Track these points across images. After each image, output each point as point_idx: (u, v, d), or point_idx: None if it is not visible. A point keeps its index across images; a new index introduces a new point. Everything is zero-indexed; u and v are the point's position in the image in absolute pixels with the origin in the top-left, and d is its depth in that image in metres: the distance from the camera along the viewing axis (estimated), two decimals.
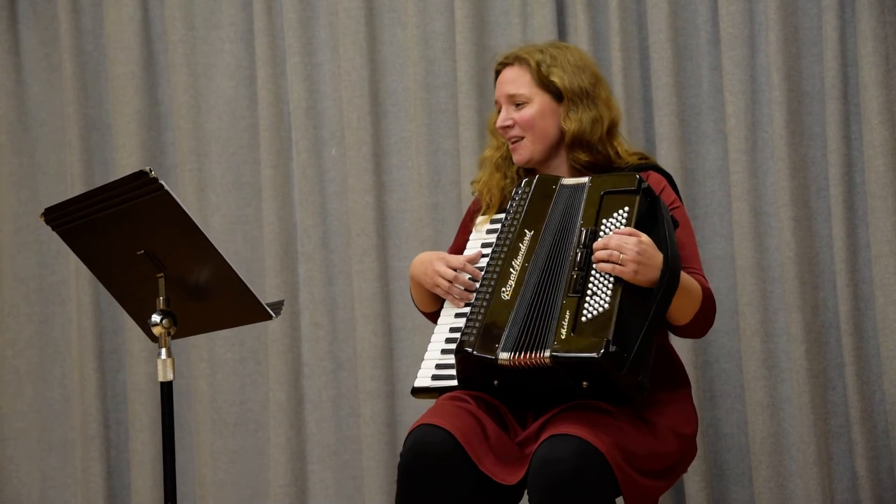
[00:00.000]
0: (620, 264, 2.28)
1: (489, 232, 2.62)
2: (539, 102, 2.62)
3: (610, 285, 2.30)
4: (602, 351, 2.21)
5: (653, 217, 2.39)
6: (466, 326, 2.38)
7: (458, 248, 2.72)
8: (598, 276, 2.32)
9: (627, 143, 2.71)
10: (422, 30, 3.47)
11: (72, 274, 3.78)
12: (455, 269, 2.54)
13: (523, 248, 2.46)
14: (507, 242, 2.48)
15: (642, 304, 2.30)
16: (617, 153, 2.64)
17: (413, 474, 2.30)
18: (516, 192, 2.56)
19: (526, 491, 2.44)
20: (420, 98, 3.46)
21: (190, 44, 3.67)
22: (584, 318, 2.27)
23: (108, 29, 3.73)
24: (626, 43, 3.27)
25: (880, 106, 3.05)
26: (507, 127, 2.64)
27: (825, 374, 3.16)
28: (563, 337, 2.26)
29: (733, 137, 3.19)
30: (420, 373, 2.48)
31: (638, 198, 2.38)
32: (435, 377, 2.46)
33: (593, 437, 2.22)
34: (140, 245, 2.39)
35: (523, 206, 2.52)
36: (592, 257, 2.32)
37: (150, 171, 2.29)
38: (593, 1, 3.32)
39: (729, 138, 3.20)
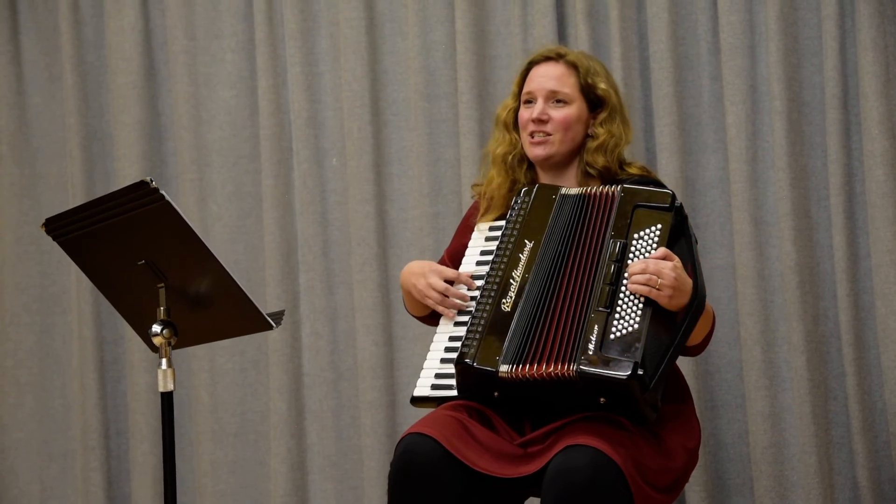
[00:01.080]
0: (658, 289, 2.27)
1: (488, 239, 2.61)
2: (578, 107, 2.63)
3: (640, 304, 2.29)
4: (630, 373, 2.21)
5: (680, 236, 2.39)
6: (466, 338, 2.38)
7: (455, 250, 2.71)
8: (628, 292, 2.31)
9: (630, 156, 2.72)
10: (422, 40, 3.47)
11: (72, 284, 3.78)
12: (449, 281, 2.54)
13: (523, 258, 2.45)
14: (507, 253, 2.47)
15: (665, 324, 2.30)
16: (620, 165, 2.65)
17: (402, 483, 2.30)
18: (515, 202, 2.55)
19: (526, 496, 2.44)
20: (421, 108, 3.47)
21: (191, 54, 3.67)
22: (612, 336, 2.26)
23: (109, 39, 3.73)
24: (627, 53, 3.27)
25: (880, 116, 3.06)
26: (541, 121, 2.62)
27: (826, 383, 3.16)
28: (590, 352, 2.25)
29: (734, 147, 3.19)
30: (419, 382, 2.48)
31: (671, 216, 2.37)
32: (434, 386, 2.45)
33: (609, 448, 2.22)
34: (141, 255, 2.39)
35: (523, 215, 2.52)
36: (629, 279, 2.30)
37: (151, 181, 2.29)
38: (594, 11, 3.32)
39: (729, 148, 3.20)
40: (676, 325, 2.31)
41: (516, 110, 2.69)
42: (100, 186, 3.75)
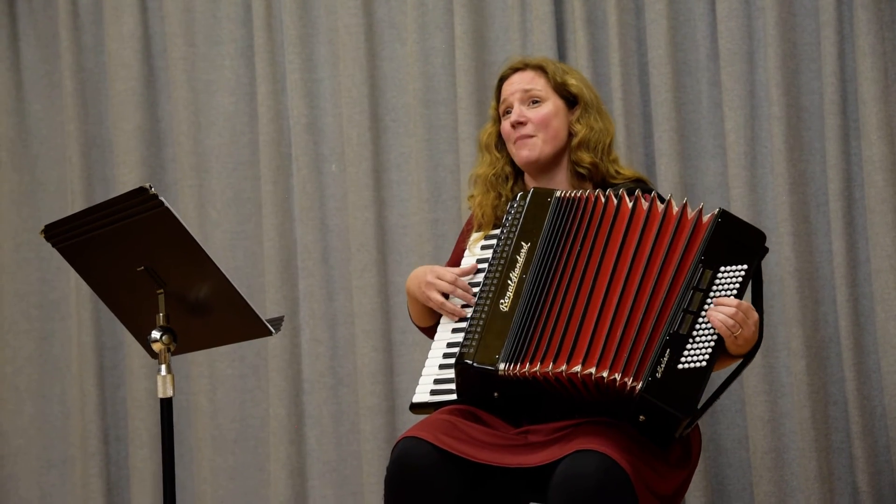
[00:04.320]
0: (735, 337, 2.29)
1: (483, 248, 2.61)
2: (554, 104, 2.65)
3: (713, 341, 2.29)
4: (688, 412, 2.25)
5: (755, 277, 2.40)
6: (465, 338, 2.39)
7: (455, 263, 2.72)
8: (704, 325, 2.31)
9: (628, 163, 2.72)
10: (421, 46, 3.48)
11: (72, 290, 3.78)
12: (449, 282, 2.55)
13: (520, 259, 2.46)
14: (505, 255, 2.47)
15: (718, 359, 2.33)
16: (616, 170, 2.66)
17: (398, 487, 2.32)
18: (511, 205, 2.56)
19: (525, 500, 2.44)
20: (420, 114, 3.47)
21: (190, 60, 3.68)
22: (680, 366, 2.27)
23: (108, 46, 3.74)
24: (626, 59, 3.28)
25: (879, 121, 3.06)
26: (521, 124, 2.64)
27: (826, 389, 3.16)
28: (658, 376, 2.25)
29: (732, 153, 3.19)
30: (418, 388, 2.48)
31: (758, 259, 2.37)
32: (433, 392, 2.46)
33: (618, 455, 2.23)
34: (140, 261, 2.39)
35: (519, 218, 2.52)
36: (715, 308, 2.30)
37: (151, 187, 2.29)
38: (592, 17, 3.32)
39: (728, 154, 3.21)
40: (733, 372, 2.38)
41: (497, 133, 2.72)
42: (99, 193, 3.75)
